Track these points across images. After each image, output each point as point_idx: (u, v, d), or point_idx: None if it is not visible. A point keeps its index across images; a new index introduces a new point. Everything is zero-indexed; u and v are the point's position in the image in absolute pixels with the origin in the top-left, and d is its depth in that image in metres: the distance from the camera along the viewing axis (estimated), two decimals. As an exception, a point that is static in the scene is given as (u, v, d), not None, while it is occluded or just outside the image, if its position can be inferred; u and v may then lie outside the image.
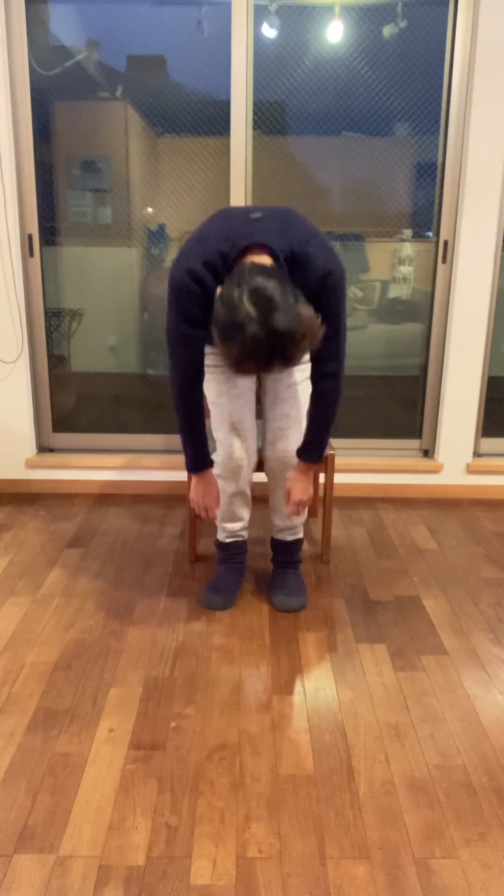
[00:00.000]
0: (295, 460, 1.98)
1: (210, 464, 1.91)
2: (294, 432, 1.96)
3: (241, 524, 2.12)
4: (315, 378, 1.81)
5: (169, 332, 1.74)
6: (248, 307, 1.41)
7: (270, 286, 1.42)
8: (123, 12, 2.66)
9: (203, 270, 1.64)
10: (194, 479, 1.93)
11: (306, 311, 1.45)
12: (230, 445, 1.95)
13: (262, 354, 1.43)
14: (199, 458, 1.88)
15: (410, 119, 2.75)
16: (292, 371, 1.93)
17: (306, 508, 2.08)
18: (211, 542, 2.56)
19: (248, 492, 2.06)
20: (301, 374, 1.96)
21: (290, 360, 1.47)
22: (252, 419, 1.98)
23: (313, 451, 1.89)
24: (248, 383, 1.94)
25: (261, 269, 1.47)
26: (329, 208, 2.85)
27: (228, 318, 1.42)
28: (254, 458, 2.00)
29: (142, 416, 3.12)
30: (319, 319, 1.50)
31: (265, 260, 1.62)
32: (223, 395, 1.93)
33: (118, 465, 3.02)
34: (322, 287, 1.68)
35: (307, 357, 1.91)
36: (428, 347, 2.99)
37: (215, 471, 2.02)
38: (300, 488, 1.92)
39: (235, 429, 1.95)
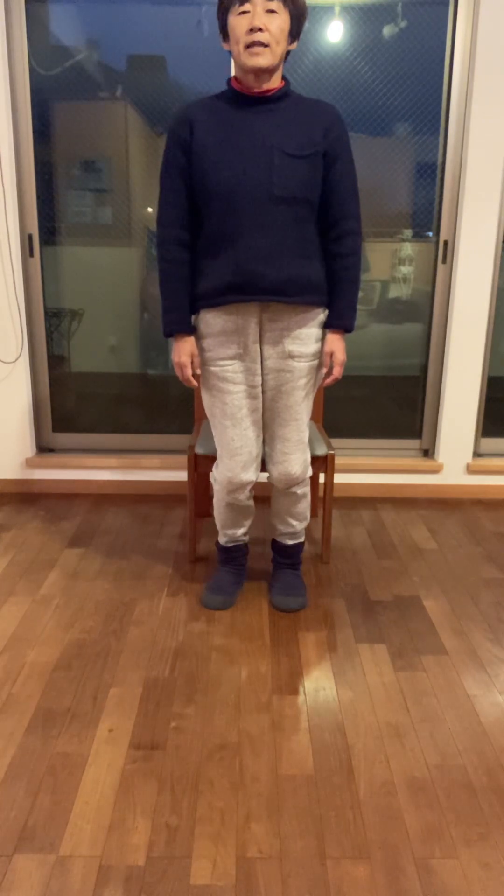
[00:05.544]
0: (299, 479, 1.97)
1: (187, 330, 1.86)
2: (297, 455, 1.95)
3: (243, 530, 2.12)
4: (337, 237, 1.84)
5: (161, 166, 1.82)
6: None
7: None
8: (123, 12, 2.66)
9: (195, 107, 1.78)
10: (173, 343, 1.88)
11: None
12: (231, 469, 1.93)
13: None
14: (175, 318, 1.84)
15: (410, 119, 2.75)
16: (294, 387, 1.89)
17: (309, 509, 2.08)
18: (211, 543, 2.56)
19: (251, 503, 2.06)
20: (300, 393, 1.91)
21: None
22: (255, 441, 1.93)
23: (346, 316, 1.87)
24: (252, 405, 1.90)
25: None
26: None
27: None
28: (255, 476, 1.97)
29: (142, 416, 3.12)
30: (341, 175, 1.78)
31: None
32: (228, 417, 1.89)
33: (118, 465, 3.02)
34: (338, 132, 1.78)
35: (307, 352, 1.88)
36: (428, 347, 2.99)
37: (216, 485, 2.01)
38: (340, 348, 1.89)
39: (238, 454, 1.92)
